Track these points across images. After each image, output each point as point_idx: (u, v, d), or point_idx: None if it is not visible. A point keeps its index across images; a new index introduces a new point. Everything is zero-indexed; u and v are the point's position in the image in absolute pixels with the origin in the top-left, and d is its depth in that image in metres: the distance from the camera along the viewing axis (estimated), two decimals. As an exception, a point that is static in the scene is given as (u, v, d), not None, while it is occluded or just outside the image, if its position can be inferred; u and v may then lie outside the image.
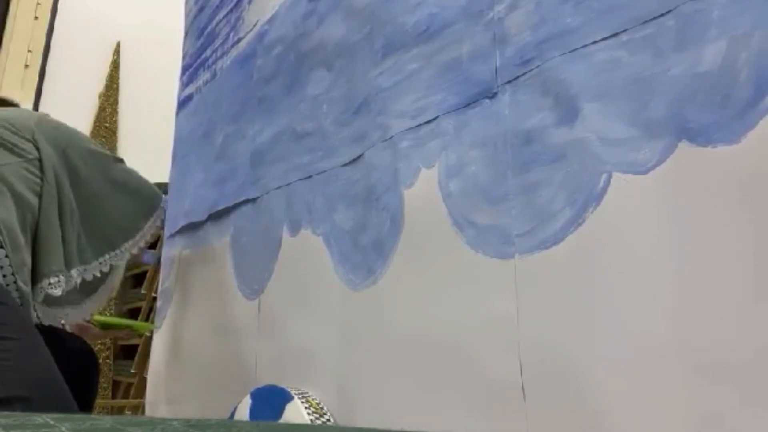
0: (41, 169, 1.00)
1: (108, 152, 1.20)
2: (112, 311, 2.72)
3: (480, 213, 0.65)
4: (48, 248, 0.98)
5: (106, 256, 1.11)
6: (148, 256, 1.44)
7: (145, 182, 1.21)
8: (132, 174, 1.19)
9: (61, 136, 1.07)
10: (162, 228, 1.28)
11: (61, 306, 1.04)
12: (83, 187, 1.07)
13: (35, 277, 0.97)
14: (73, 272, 1.01)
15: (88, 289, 1.13)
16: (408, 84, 0.78)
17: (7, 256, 0.88)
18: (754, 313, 0.43)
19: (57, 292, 0.98)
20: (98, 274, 1.09)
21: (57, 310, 1.04)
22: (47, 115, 1.11)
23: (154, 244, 1.42)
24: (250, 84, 1.18)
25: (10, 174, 0.95)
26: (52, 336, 0.96)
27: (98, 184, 1.10)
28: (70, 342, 1.14)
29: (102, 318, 1.30)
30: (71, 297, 1.05)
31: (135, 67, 3.20)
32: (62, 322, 1.15)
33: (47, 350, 0.81)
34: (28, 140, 1.00)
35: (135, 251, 1.16)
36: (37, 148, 1.00)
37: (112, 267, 1.16)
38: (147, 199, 1.19)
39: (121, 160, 1.22)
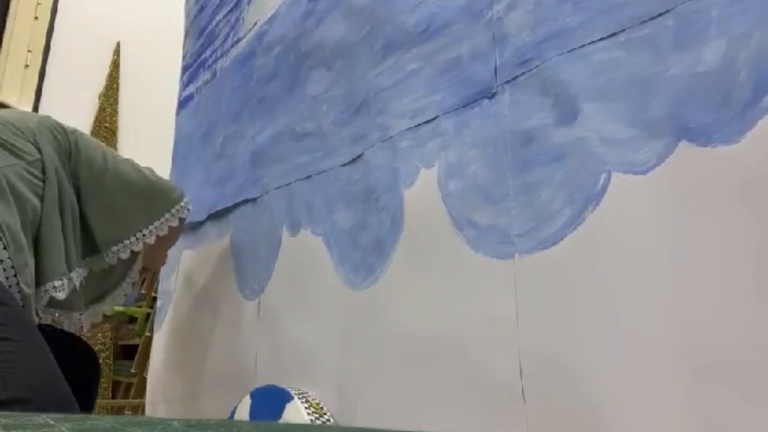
0: (43, 170, 0.99)
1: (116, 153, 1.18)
2: (111, 311, 2.71)
3: (480, 213, 0.65)
4: (51, 251, 0.97)
5: (115, 248, 1.08)
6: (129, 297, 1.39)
7: (162, 180, 1.16)
8: (145, 171, 1.15)
9: (65, 137, 1.07)
10: (181, 227, 1.22)
11: (62, 309, 1.03)
12: (90, 185, 1.06)
13: (38, 280, 0.96)
14: (73, 275, 1.01)
15: (93, 296, 1.12)
16: (407, 84, 0.78)
17: (9, 258, 0.87)
18: (754, 313, 0.43)
19: (61, 295, 0.97)
20: (106, 266, 1.07)
21: (59, 312, 1.03)
22: (49, 117, 1.10)
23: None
24: (249, 84, 1.18)
25: (11, 175, 0.94)
26: (53, 337, 0.95)
27: (112, 181, 1.08)
28: (71, 342, 1.14)
29: None
30: (75, 301, 1.04)
31: (135, 67, 3.20)
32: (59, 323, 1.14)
33: (49, 351, 0.81)
34: (29, 142, 1.00)
35: (139, 246, 1.12)
36: (39, 150, 1.00)
37: (118, 273, 1.14)
38: (164, 196, 1.14)
39: (129, 162, 1.19)
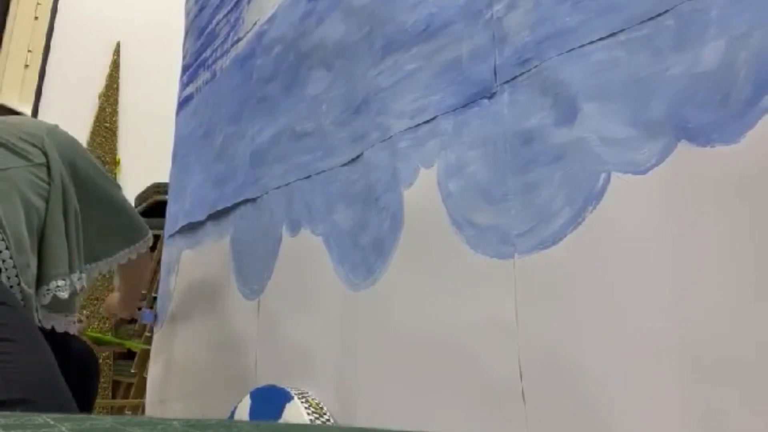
0: (49, 173, 1.00)
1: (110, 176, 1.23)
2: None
3: (479, 213, 0.65)
4: (55, 251, 0.98)
5: (88, 266, 1.12)
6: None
7: (136, 215, 1.23)
8: (127, 203, 1.21)
9: (71, 147, 1.09)
10: (136, 257, 1.27)
11: (59, 312, 1.04)
12: (84, 199, 1.08)
13: (41, 279, 0.97)
14: (74, 276, 1.02)
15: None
16: (407, 84, 0.78)
17: (11, 257, 0.88)
18: (754, 313, 0.43)
19: (65, 294, 0.98)
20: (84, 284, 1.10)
21: (54, 315, 1.04)
22: (57, 126, 1.13)
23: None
24: (249, 84, 1.18)
25: (17, 177, 0.95)
26: (53, 337, 0.96)
27: (97, 200, 1.11)
28: (71, 343, 1.14)
29: (95, 334, 1.32)
30: (73, 304, 1.06)
31: (135, 67, 3.20)
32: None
33: (49, 351, 0.81)
34: (35, 146, 1.01)
35: (95, 274, 1.17)
36: (45, 154, 1.01)
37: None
38: (134, 229, 1.20)
39: (119, 188, 1.24)
